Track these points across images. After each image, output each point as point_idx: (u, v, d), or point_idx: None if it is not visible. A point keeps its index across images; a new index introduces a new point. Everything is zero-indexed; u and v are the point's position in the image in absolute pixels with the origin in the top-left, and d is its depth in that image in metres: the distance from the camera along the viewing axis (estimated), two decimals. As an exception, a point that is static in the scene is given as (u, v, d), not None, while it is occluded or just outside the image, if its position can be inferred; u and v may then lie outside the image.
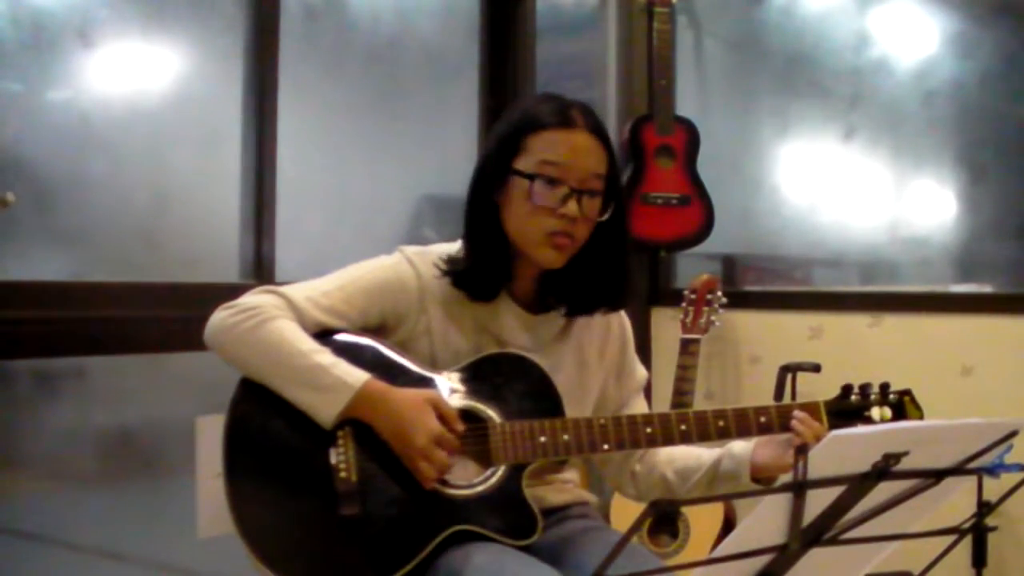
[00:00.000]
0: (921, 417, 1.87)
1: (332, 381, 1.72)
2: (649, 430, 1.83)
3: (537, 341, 1.91)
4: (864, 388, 1.89)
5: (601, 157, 1.83)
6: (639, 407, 2.02)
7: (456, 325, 1.87)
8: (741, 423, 1.84)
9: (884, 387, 1.89)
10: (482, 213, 1.85)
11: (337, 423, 1.73)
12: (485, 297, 1.87)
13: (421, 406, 1.75)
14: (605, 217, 1.84)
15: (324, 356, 1.75)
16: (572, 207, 1.79)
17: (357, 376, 1.73)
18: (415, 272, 1.86)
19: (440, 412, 1.76)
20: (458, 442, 1.76)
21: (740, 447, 1.90)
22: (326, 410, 1.72)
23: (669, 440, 1.85)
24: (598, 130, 1.84)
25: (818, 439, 1.77)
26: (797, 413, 1.83)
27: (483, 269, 1.85)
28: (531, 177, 1.79)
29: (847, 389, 1.89)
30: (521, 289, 1.91)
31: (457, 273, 1.85)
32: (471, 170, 1.90)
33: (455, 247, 1.91)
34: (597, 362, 1.98)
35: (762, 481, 1.87)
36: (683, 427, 1.84)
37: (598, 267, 1.88)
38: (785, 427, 1.84)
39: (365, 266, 1.88)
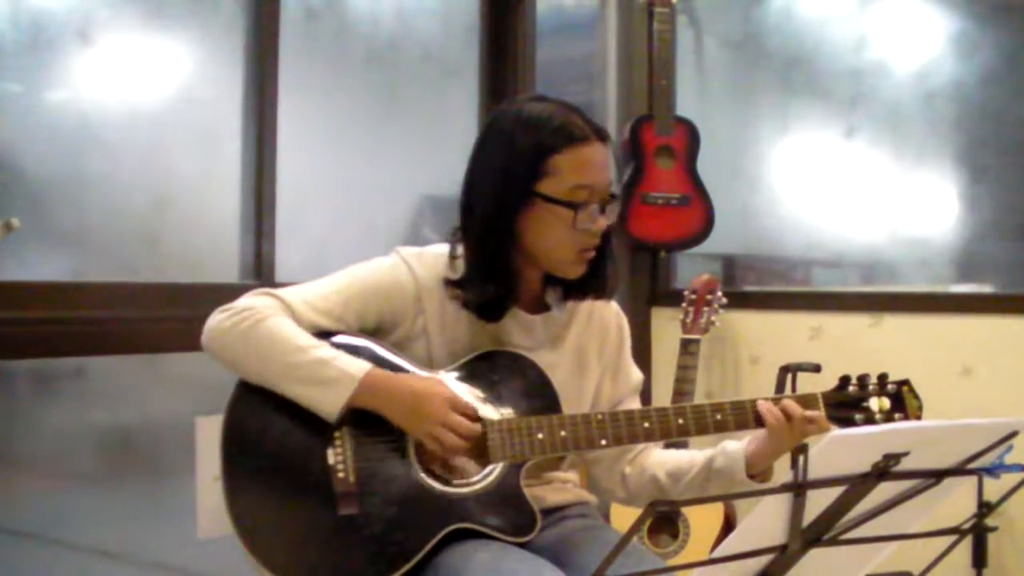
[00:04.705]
0: (920, 407, 1.88)
1: (335, 374, 1.72)
2: (647, 425, 1.83)
3: (535, 340, 1.91)
4: (862, 379, 1.89)
5: (610, 162, 1.84)
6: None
7: (453, 326, 1.86)
8: (738, 416, 1.85)
9: (882, 377, 1.89)
10: (500, 239, 1.82)
11: (342, 415, 1.73)
12: (498, 319, 1.86)
13: (430, 380, 1.78)
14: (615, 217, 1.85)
15: (323, 350, 1.75)
16: (602, 222, 1.81)
17: (359, 366, 1.74)
18: (412, 274, 1.86)
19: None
20: (474, 408, 1.77)
21: (734, 444, 1.89)
22: (330, 403, 1.72)
23: (667, 434, 1.84)
24: (603, 135, 1.84)
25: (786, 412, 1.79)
26: (761, 406, 1.83)
27: (498, 294, 1.84)
28: (573, 206, 1.78)
29: (845, 380, 1.89)
30: (523, 292, 1.90)
31: (470, 301, 1.84)
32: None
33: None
34: (596, 362, 1.97)
35: (757, 476, 1.88)
36: (680, 421, 1.83)
37: (600, 257, 1.88)
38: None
39: (362, 268, 1.88)
